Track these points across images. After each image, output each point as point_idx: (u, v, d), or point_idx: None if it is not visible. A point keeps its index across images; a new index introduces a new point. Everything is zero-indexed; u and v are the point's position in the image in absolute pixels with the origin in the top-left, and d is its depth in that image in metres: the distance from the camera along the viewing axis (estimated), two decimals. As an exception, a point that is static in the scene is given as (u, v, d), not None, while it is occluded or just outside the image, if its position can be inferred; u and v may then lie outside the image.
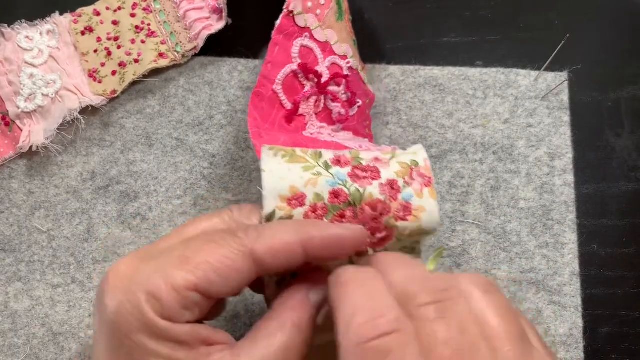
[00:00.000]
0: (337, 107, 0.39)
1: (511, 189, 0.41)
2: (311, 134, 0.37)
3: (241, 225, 0.29)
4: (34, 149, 0.41)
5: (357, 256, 0.30)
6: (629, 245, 0.40)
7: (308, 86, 0.38)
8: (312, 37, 0.38)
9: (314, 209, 0.29)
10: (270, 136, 0.35)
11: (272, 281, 0.30)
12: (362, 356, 0.22)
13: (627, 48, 0.45)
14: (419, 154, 0.32)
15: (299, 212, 0.30)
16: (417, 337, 0.22)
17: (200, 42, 0.44)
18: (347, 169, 0.31)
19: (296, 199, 0.30)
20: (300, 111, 0.38)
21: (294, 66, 0.37)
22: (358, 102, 0.40)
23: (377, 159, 0.32)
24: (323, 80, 0.38)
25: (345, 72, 0.39)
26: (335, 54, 0.39)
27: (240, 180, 0.42)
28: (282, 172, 0.30)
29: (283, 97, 0.37)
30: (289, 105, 0.37)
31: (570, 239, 0.40)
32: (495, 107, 0.43)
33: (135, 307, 0.24)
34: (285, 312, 0.27)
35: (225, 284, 0.25)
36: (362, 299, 0.24)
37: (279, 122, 0.37)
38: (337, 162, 0.31)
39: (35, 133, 0.41)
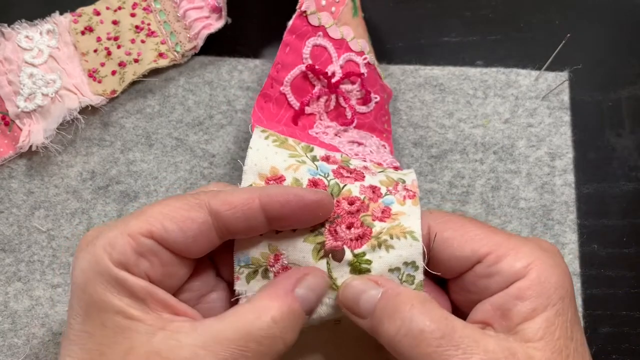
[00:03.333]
0: (349, 106, 0.38)
1: (511, 189, 0.41)
2: (316, 133, 0.37)
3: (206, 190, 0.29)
4: (33, 148, 0.41)
5: (335, 260, 0.28)
6: (629, 245, 0.40)
7: (318, 86, 0.37)
8: (326, 35, 0.37)
9: None
10: (271, 124, 0.34)
11: (243, 275, 0.29)
12: None
13: (628, 48, 0.45)
14: (408, 175, 0.32)
15: None
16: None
17: (200, 42, 0.44)
18: (333, 166, 0.31)
19: (274, 180, 0.29)
20: (310, 110, 0.38)
21: (304, 67, 0.37)
22: (375, 98, 0.39)
23: (365, 167, 0.32)
24: (334, 80, 0.37)
25: (362, 69, 0.38)
26: (351, 51, 0.38)
27: (240, 180, 0.42)
28: (267, 153, 0.30)
29: (291, 98, 0.37)
30: (297, 106, 0.37)
31: (571, 238, 0.40)
32: (495, 107, 0.43)
33: (93, 257, 0.25)
34: (262, 298, 0.26)
35: (182, 232, 0.26)
36: None
37: (286, 122, 0.37)
38: (326, 159, 0.31)
39: (34, 133, 0.41)
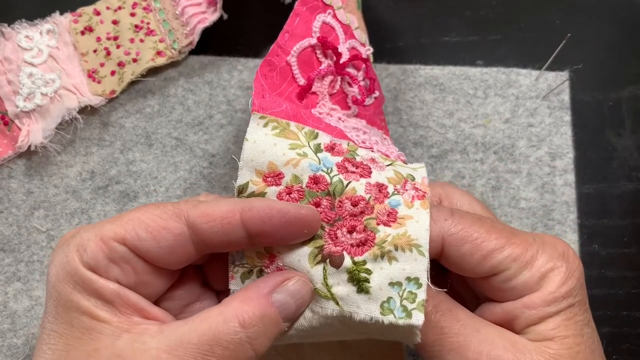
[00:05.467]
0: (353, 92, 0.37)
1: (512, 189, 0.41)
2: (319, 113, 0.35)
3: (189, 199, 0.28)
4: (32, 148, 0.41)
5: (332, 266, 0.27)
6: (629, 245, 0.40)
7: (325, 64, 0.36)
8: (335, 16, 0.36)
9: (289, 191, 0.28)
10: (273, 99, 0.32)
11: (238, 274, 0.28)
12: None
13: (628, 48, 0.45)
14: (418, 171, 0.30)
15: (272, 190, 0.28)
16: None
17: (196, 37, 0.43)
18: (338, 159, 0.29)
19: (272, 177, 0.28)
20: (314, 89, 0.36)
21: (313, 40, 0.35)
22: (375, 93, 0.38)
23: (373, 160, 0.30)
24: (342, 60, 0.36)
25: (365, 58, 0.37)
26: (355, 39, 0.37)
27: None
28: (265, 145, 0.29)
29: (296, 71, 0.35)
30: (301, 81, 0.35)
31: (571, 239, 0.40)
32: (496, 107, 0.43)
33: (65, 257, 0.25)
34: (233, 302, 0.25)
35: (155, 242, 0.25)
36: None
37: (288, 96, 0.35)
38: (331, 148, 0.30)
39: (34, 132, 0.41)
